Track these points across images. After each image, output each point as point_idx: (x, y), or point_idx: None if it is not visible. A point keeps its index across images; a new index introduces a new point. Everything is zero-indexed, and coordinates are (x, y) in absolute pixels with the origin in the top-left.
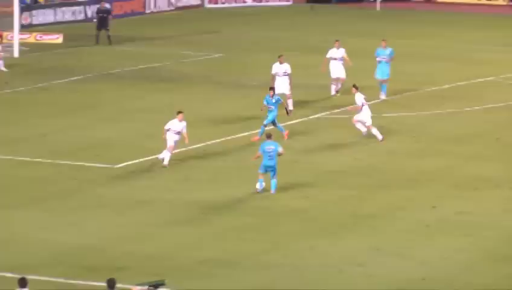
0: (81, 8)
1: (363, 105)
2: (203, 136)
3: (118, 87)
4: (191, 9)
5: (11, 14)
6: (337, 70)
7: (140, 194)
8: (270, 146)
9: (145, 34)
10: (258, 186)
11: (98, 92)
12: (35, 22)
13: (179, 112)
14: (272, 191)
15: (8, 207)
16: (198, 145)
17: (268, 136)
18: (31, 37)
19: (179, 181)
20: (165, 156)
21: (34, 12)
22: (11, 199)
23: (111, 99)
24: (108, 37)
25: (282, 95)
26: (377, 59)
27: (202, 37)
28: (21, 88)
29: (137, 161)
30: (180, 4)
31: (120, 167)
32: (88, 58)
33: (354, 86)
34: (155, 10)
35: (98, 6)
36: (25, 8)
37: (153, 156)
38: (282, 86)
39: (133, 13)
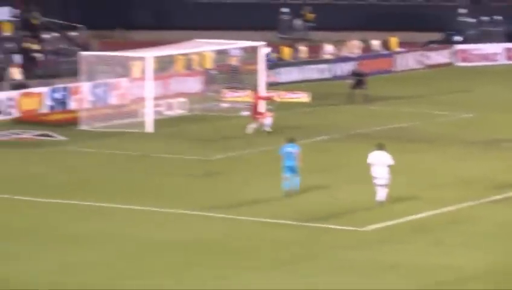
0: (327, 66)
1: None
2: (457, 198)
3: (365, 147)
4: (440, 68)
5: (258, 72)
6: None
7: (389, 258)
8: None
9: (393, 92)
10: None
11: (345, 152)
12: (281, 80)
13: None
14: None
15: (252, 269)
16: (450, 208)
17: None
18: (277, 96)
19: (429, 245)
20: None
21: (279, 70)
22: (253, 261)
23: (357, 160)
24: (365, 96)
25: None
26: None
27: (452, 96)
28: (267, 147)
29: (385, 223)
30: (429, 62)
31: (368, 230)
32: (334, 117)
33: None
34: (403, 68)
35: (353, 68)
36: (271, 66)
37: (403, 219)
38: None
39: (380, 71)
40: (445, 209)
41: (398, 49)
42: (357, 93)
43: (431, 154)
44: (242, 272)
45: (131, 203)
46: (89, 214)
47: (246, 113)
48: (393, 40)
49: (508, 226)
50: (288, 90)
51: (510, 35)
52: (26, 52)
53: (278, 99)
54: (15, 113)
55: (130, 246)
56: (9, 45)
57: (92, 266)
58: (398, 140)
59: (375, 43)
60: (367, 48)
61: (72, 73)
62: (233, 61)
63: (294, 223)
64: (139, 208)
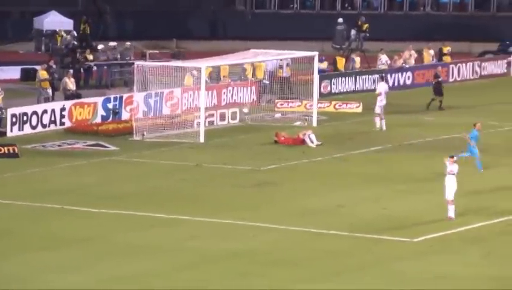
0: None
1: None
2: (510, 209)
3: (414, 157)
4: (496, 78)
5: (311, 83)
6: None
7: (440, 269)
8: None
9: (448, 102)
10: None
11: (396, 163)
12: (334, 90)
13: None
14: None
15: (304, 280)
16: (504, 219)
17: None
18: (331, 106)
19: (481, 256)
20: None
21: (333, 80)
22: (305, 271)
23: (407, 170)
24: (440, 103)
25: None
26: None
27: (507, 107)
28: (319, 158)
29: (436, 234)
30: (485, 72)
31: (419, 241)
32: (387, 128)
33: None
34: (458, 79)
35: (435, 73)
36: (324, 76)
37: (454, 230)
38: None
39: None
40: (496, 221)
41: (454, 60)
42: (435, 99)
43: (484, 167)
44: (295, 283)
45: (184, 214)
46: (142, 224)
47: (300, 123)
48: (446, 50)
49: None
50: (342, 101)
51: None
52: (80, 63)
53: (313, 146)
54: (68, 123)
55: (184, 256)
56: (63, 55)
57: (146, 277)
58: (448, 151)
59: (431, 53)
60: (421, 59)
61: (126, 83)
62: (287, 72)
63: (346, 233)
64: (190, 218)
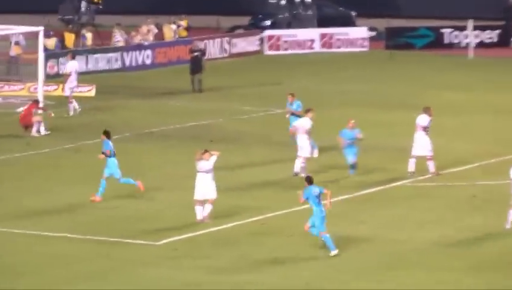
0: (117, 54)
1: None
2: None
3: (160, 149)
4: (247, 57)
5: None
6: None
7: (187, 276)
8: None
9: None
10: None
11: (137, 155)
12: (63, 70)
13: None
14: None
15: None
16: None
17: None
18: (59, 89)
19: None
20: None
21: (61, 60)
22: (32, 281)
23: (151, 163)
24: (199, 82)
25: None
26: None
27: (260, 90)
28: (45, 149)
29: (182, 236)
30: (234, 51)
31: (163, 244)
32: (124, 114)
33: None
34: (206, 57)
35: (190, 46)
36: (50, 55)
37: (202, 231)
38: None
39: (178, 61)
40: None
41: (200, 36)
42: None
43: (234, 157)
44: None
45: None
46: None
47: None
48: (185, 24)
49: None
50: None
51: (322, 20)
52: None
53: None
54: None
55: None
56: None
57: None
58: (197, 140)
59: (173, 28)
60: (161, 35)
61: None
62: (15, 50)
63: (78, 236)
64: None
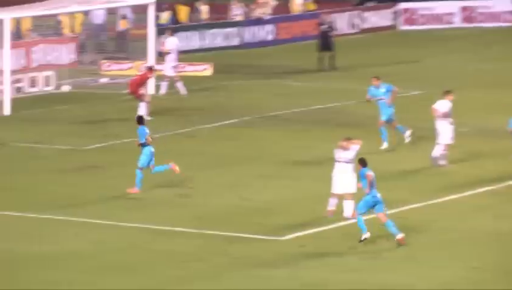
0: (235, 29)
1: None
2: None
3: (282, 134)
4: (380, 33)
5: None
6: None
7: (309, 276)
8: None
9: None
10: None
11: (257, 140)
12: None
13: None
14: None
15: None
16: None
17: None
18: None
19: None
20: None
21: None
22: (144, 280)
23: (273, 150)
24: (332, 59)
25: None
26: None
27: (394, 69)
28: (158, 134)
29: (308, 231)
30: (365, 26)
31: (287, 240)
32: (243, 96)
33: None
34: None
35: (319, 21)
36: (163, 30)
37: (330, 226)
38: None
39: (303, 37)
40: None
41: (325, 9)
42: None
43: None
44: None
45: None
46: None
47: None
48: None
49: None
50: (186, 62)
51: None
52: None
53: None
54: None
55: None
56: None
57: None
58: (324, 124)
59: (299, 2)
60: (285, 8)
61: None
62: (122, 25)
63: (193, 230)
64: None
